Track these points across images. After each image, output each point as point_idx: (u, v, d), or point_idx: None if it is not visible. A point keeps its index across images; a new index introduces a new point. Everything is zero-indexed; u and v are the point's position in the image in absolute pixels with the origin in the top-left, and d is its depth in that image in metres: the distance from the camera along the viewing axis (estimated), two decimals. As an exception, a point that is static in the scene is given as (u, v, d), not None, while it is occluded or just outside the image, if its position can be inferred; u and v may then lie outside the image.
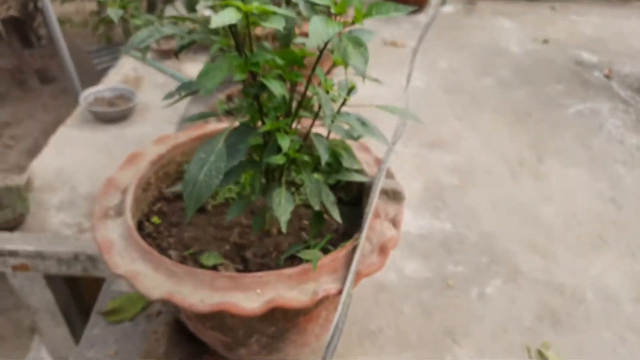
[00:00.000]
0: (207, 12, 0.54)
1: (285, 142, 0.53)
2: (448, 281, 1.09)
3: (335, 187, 0.85)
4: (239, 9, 0.44)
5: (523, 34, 2.58)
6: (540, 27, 2.67)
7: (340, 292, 0.58)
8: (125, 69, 2.78)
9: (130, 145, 2.55)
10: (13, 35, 5.32)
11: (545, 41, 2.48)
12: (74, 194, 2.30)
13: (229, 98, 1.28)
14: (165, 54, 2.40)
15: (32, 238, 2.02)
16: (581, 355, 0.95)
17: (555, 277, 1.11)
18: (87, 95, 2.47)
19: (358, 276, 0.60)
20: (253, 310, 0.54)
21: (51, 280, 2.26)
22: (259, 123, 0.58)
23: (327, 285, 0.58)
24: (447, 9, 2.82)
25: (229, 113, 1.23)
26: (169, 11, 0.93)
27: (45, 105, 5.43)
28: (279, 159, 0.56)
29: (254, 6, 0.45)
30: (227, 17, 0.42)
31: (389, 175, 0.78)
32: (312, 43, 0.40)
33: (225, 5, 0.44)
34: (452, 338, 0.97)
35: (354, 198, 0.83)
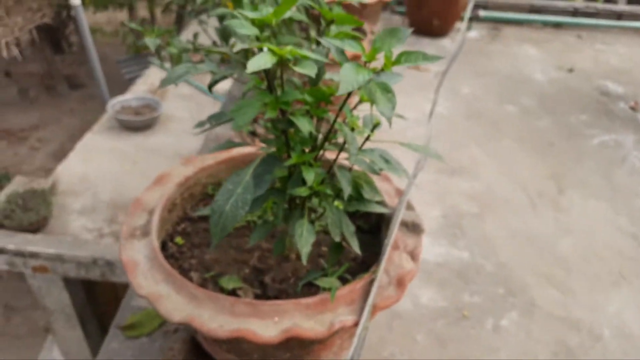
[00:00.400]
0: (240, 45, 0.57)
1: (310, 176, 0.55)
2: (463, 311, 1.09)
3: (354, 215, 0.87)
4: (273, 53, 0.46)
5: (548, 61, 2.57)
6: (566, 55, 2.67)
7: (356, 324, 0.59)
8: (151, 79, 2.85)
9: (152, 154, 2.62)
10: (45, 41, 5.51)
11: (571, 70, 2.47)
12: (96, 200, 2.37)
13: (254, 119, 1.31)
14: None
15: (53, 241, 2.08)
16: (596, 395, 0.94)
17: (571, 312, 1.10)
18: (115, 103, 2.55)
19: (375, 309, 0.61)
20: (270, 338, 0.55)
21: (69, 283, 2.30)
22: (285, 154, 0.60)
23: (343, 317, 0.59)
24: (472, 34, 2.84)
25: (253, 134, 1.26)
26: (193, 27, 0.96)
27: (72, 110, 5.58)
28: (303, 191, 0.57)
29: (288, 50, 0.47)
30: (262, 61, 0.44)
31: (409, 207, 0.79)
32: (342, 91, 0.42)
33: (260, 48, 0.47)
34: (465, 370, 0.97)
35: (372, 227, 0.84)
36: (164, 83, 0.52)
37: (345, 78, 0.43)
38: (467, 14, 1.00)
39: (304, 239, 0.56)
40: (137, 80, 3.32)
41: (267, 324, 0.57)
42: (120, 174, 2.51)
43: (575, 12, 3.09)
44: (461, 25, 2.43)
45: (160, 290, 0.60)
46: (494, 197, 1.49)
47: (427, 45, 2.67)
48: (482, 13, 2.94)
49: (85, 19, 3.40)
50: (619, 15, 3.09)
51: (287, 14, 0.53)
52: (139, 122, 2.54)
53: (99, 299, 2.67)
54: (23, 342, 2.79)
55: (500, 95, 2.18)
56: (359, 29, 1.59)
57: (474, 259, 1.24)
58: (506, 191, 1.53)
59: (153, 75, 2.79)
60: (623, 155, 1.77)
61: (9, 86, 5.79)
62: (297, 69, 0.45)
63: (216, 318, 0.57)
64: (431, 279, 1.17)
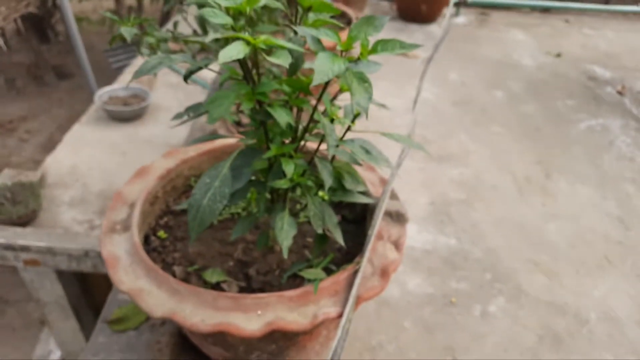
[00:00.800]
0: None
1: (289, 168, 0.55)
2: (451, 298, 1.09)
3: (339, 205, 0.87)
4: (247, 42, 0.45)
5: (536, 46, 2.57)
6: (554, 39, 2.66)
7: (340, 316, 0.58)
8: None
9: (142, 144, 2.59)
10: (31, 31, 5.42)
11: (558, 55, 2.47)
12: (86, 191, 2.35)
13: (239, 108, 1.30)
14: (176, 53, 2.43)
15: (43, 234, 2.06)
16: (582, 378, 0.95)
17: (558, 297, 1.11)
18: (102, 94, 2.52)
19: (358, 300, 0.61)
20: (253, 332, 0.55)
21: (62, 275, 2.29)
22: (265, 146, 0.59)
23: (327, 308, 0.59)
24: (460, 20, 2.82)
25: (238, 124, 1.24)
26: (181, 24, 0.94)
27: (61, 101, 5.51)
28: (283, 183, 0.57)
29: (262, 40, 0.46)
30: (234, 51, 0.43)
31: (394, 196, 0.79)
32: (316, 81, 0.41)
33: (233, 39, 0.46)
34: (453, 356, 0.97)
35: (357, 216, 0.84)
36: (137, 74, 0.51)
37: (320, 68, 0.42)
38: (453, -1, 0.99)
39: (285, 232, 0.55)
40: (125, 69, 3.27)
41: (250, 317, 0.57)
42: (109, 164, 2.49)
43: (563, -4, 3.08)
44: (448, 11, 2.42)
45: (141, 286, 0.60)
46: (482, 184, 1.50)
47: (415, 31, 2.66)
48: (469, -2, 2.92)
49: (70, 7, 3.34)
50: (607, 0, 3.09)
51: (262, 2, 0.52)
52: (128, 113, 2.51)
53: (93, 289, 2.66)
54: (19, 335, 2.78)
55: (488, 81, 2.17)
56: (343, 15, 1.57)
57: (461, 245, 1.25)
58: (494, 177, 1.53)
59: (141, 64, 2.76)
60: (610, 140, 1.78)
61: (-5, 77, 5.70)
62: (271, 59, 0.44)
63: (198, 312, 0.57)
64: (419, 266, 1.17)
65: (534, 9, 3.06)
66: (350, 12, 1.56)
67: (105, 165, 2.47)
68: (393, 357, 0.95)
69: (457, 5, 2.80)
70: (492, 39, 2.63)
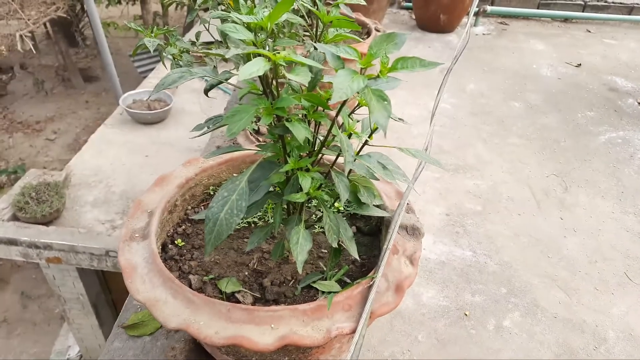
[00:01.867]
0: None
1: (306, 183, 0.55)
2: (465, 311, 1.08)
3: (354, 217, 0.87)
4: (267, 59, 0.46)
5: (556, 57, 2.54)
6: (574, 50, 2.63)
7: (353, 332, 0.58)
8: (163, 73, 2.87)
9: (164, 147, 2.63)
10: (60, 35, 5.54)
11: (579, 65, 2.44)
12: (109, 192, 2.39)
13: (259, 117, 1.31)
14: (201, 59, 2.49)
15: (66, 233, 2.10)
16: (599, 398, 0.93)
17: (576, 314, 1.09)
18: (126, 97, 2.57)
19: (372, 315, 0.61)
20: (266, 345, 0.55)
21: (83, 272, 2.33)
22: (282, 159, 0.60)
23: (341, 323, 0.59)
24: (479, 29, 2.81)
25: (257, 132, 1.25)
26: (204, 33, 0.96)
27: (87, 103, 5.63)
28: (299, 197, 0.57)
29: (282, 56, 0.46)
30: (255, 68, 0.44)
31: (409, 210, 0.79)
32: (335, 99, 0.41)
33: (254, 54, 0.46)
34: (466, 372, 0.96)
35: (373, 228, 0.84)
36: (158, 88, 0.51)
37: (339, 85, 0.42)
38: (473, 8, 0.99)
39: (300, 246, 0.55)
40: (150, 74, 3.33)
41: (264, 330, 0.57)
42: (132, 166, 2.54)
43: (585, 6, 3.04)
44: (468, 21, 2.41)
45: (157, 295, 0.60)
46: (499, 196, 1.48)
47: (434, 40, 2.65)
48: (488, 8, 2.91)
49: (97, 12, 3.42)
50: (630, 9, 3.05)
51: (283, 17, 0.52)
52: (151, 116, 2.56)
53: (113, 287, 2.70)
54: (40, 329, 2.84)
55: (506, 91, 2.15)
56: (362, 25, 1.57)
57: (476, 257, 1.23)
58: (511, 189, 1.52)
59: (165, 69, 2.82)
60: (631, 153, 1.75)
61: (25, 79, 5.85)
62: (290, 76, 0.44)
63: (212, 324, 0.57)
64: (433, 278, 1.16)
65: (554, 18, 3.03)
66: (369, 22, 1.56)
67: (128, 167, 2.52)
68: (406, 371, 0.95)
69: (476, 14, 2.78)
70: (512, 49, 2.61)
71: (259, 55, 0.47)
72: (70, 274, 2.43)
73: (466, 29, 0.94)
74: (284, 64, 0.45)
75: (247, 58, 0.58)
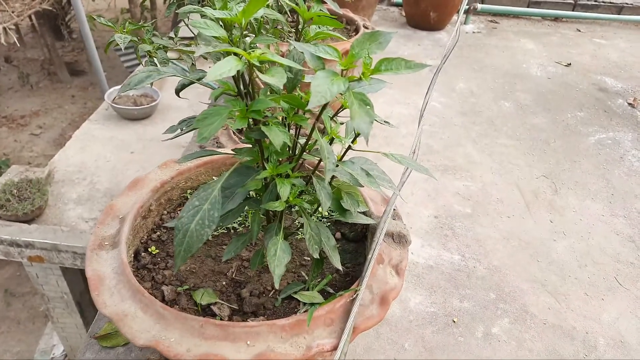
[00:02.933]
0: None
1: (284, 191, 0.51)
2: (453, 318, 1.06)
3: (339, 222, 0.83)
4: (240, 58, 0.42)
5: (546, 56, 2.52)
6: (564, 49, 2.62)
7: (335, 348, 0.55)
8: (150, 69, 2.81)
9: (150, 143, 2.57)
10: (45, 27, 5.43)
11: (568, 65, 2.42)
12: (93, 189, 2.33)
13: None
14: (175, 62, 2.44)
15: (48, 231, 2.04)
16: (589, 407, 0.91)
17: (565, 320, 1.07)
18: (112, 92, 2.51)
19: (355, 330, 0.58)
20: (242, 364, 0.52)
21: (67, 271, 2.27)
22: (260, 164, 0.56)
23: (321, 340, 0.55)
24: (469, 27, 2.78)
25: (240, 131, 1.21)
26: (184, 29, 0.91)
27: (73, 97, 5.52)
28: (277, 206, 0.53)
29: (257, 55, 0.42)
30: (226, 67, 0.40)
31: (396, 216, 0.75)
32: (313, 104, 0.38)
33: (226, 53, 0.42)
34: (454, 381, 0.93)
35: (358, 235, 0.80)
36: (124, 88, 0.47)
37: (318, 88, 0.39)
38: (463, 6, 0.96)
39: (278, 259, 0.52)
40: (136, 69, 3.25)
41: (239, 347, 0.54)
42: (117, 163, 2.48)
43: (575, 5, 3.04)
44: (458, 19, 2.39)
45: (126, 309, 0.56)
46: (488, 197, 1.46)
47: (423, 38, 2.62)
48: (479, 6, 2.88)
49: (82, 5, 3.34)
50: (620, 9, 3.04)
51: (260, 13, 0.48)
52: (137, 112, 2.50)
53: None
54: (24, 327, 2.77)
55: (496, 90, 2.13)
56: (350, 22, 1.53)
57: (465, 262, 1.21)
58: (500, 191, 1.49)
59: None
60: (621, 154, 1.74)
61: (10, 72, 5.72)
62: (264, 77, 0.40)
63: (184, 341, 0.53)
64: (421, 283, 1.13)
65: (544, 17, 3.02)
66: (358, 19, 1.52)
67: (113, 164, 2.46)
68: (392, 381, 0.92)
69: (466, 12, 2.76)
70: (502, 47, 2.59)
71: (233, 53, 0.43)
72: (53, 272, 2.36)
73: (456, 27, 0.91)
74: (258, 64, 0.42)
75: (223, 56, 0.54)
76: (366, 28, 1.49)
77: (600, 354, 1.00)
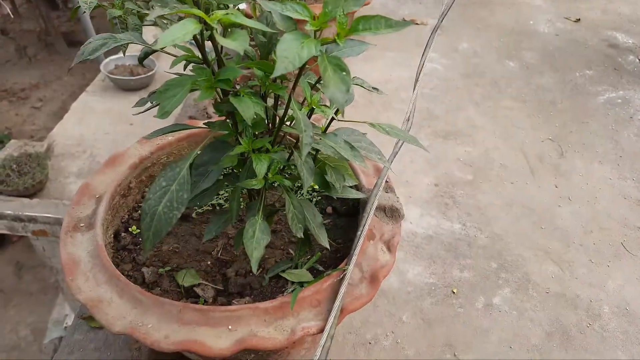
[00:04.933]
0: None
1: (261, 167, 0.47)
2: (453, 288, 1.03)
3: (330, 197, 0.79)
4: (199, 20, 0.37)
5: (554, 11, 2.41)
6: (574, 4, 2.50)
7: (321, 331, 0.52)
8: (146, 37, 2.74)
9: (149, 114, 2.52)
10: (40, -3, 5.29)
11: (577, 20, 2.32)
12: (93, 162, 2.30)
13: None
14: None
15: (50, 205, 2.03)
16: (591, 377, 0.89)
17: (569, 288, 1.04)
18: (108, 62, 2.45)
19: (343, 312, 0.55)
20: (221, 351, 0.49)
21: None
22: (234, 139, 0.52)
23: (307, 322, 0.53)
24: (473, -17, 2.66)
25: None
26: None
27: (72, 68, 5.43)
28: (255, 184, 0.49)
29: (218, 16, 0.37)
30: (180, 32, 0.35)
31: (389, 189, 0.71)
32: (278, 71, 0.33)
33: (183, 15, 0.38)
34: (453, 352, 0.91)
35: (349, 209, 0.76)
36: (78, 58, 0.43)
37: (284, 53, 0.34)
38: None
39: (256, 241, 0.48)
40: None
41: (220, 332, 0.51)
42: (116, 135, 2.44)
43: (586, -43, 2.87)
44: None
45: (101, 295, 0.54)
46: (491, 163, 1.41)
47: (425, -4, 2.51)
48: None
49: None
50: (632, -41, 2.88)
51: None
52: (134, 82, 2.44)
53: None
54: (36, 299, 2.81)
55: (501, 50, 2.04)
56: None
57: (466, 230, 1.17)
58: (504, 156, 1.44)
59: (147, 33, 2.65)
60: (630, 114, 1.67)
61: (6, 45, 5.62)
62: (224, 42, 0.36)
63: (161, 327, 0.51)
64: (420, 254, 1.10)
65: (553, -30, 2.87)
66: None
67: (112, 136, 2.42)
68: (389, 354, 0.90)
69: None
70: (508, 4, 2.48)
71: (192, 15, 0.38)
72: (59, 245, 2.38)
73: (454, -18, 0.84)
74: (219, 27, 0.37)
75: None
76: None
77: (605, 323, 0.97)
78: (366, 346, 0.91)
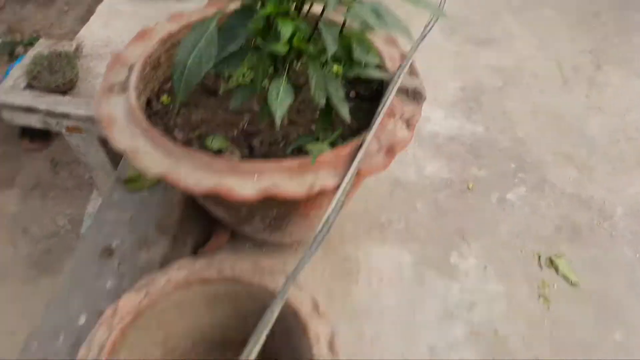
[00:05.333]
0: None
1: (286, 29, 0.49)
2: (469, 184, 1.06)
3: (355, 82, 0.81)
4: None
5: None
6: None
7: (337, 188, 0.56)
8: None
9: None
10: None
11: None
12: (121, 63, 2.34)
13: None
14: None
15: (82, 103, 2.11)
16: (596, 270, 0.93)
17: (585, 190, 1.06)
18: (136, -39, 2.40)
19: (359, 174, 0.59)
20: (247, 196, 0.54)
21: (105, 142, 2.38)
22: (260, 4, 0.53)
23: (325, 180, 0.57)
24: None
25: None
26: None
27: (98, -29, 5.32)
28: (280, 47, 0.51)
29: None
30: None
31: (413, 72, 0.73)
32: None
33: None
34: (462, 236, 0.96)
35: (373, 93, 0.78)
36: None
37: None
38: None
39: (280, 100, 0.51)
40: None
41: (246, 181, 0.56)
42: (142, 38, 2.46)
43: None
44: None
45: (138, 145, 0.59)
46: (522, 72, 1.38)
47: None
48: None
49: None
50: None
51: None
52: (161, -16, 2.40)
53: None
54: (71, 194, 2.97)
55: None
56: None
57: (489, 133, 1.18)
58: (537, 65, 1.41)
59: None
60: (678, 28, 1.58)
61: (32, -54, 5.51)
62: None
63: (193, 174, 0.56)
64: (440, 152, 1.12)
65: None
66: None
67: (138, 39, 2.43)
68: (401, 235, 0.95)
69: None
70: None
71: None
72: (92, 142, 2.48)
73: None
74: None
75: None
76: None
77: (615, 222, 1.00)
78: (380, 228, 0.97)
